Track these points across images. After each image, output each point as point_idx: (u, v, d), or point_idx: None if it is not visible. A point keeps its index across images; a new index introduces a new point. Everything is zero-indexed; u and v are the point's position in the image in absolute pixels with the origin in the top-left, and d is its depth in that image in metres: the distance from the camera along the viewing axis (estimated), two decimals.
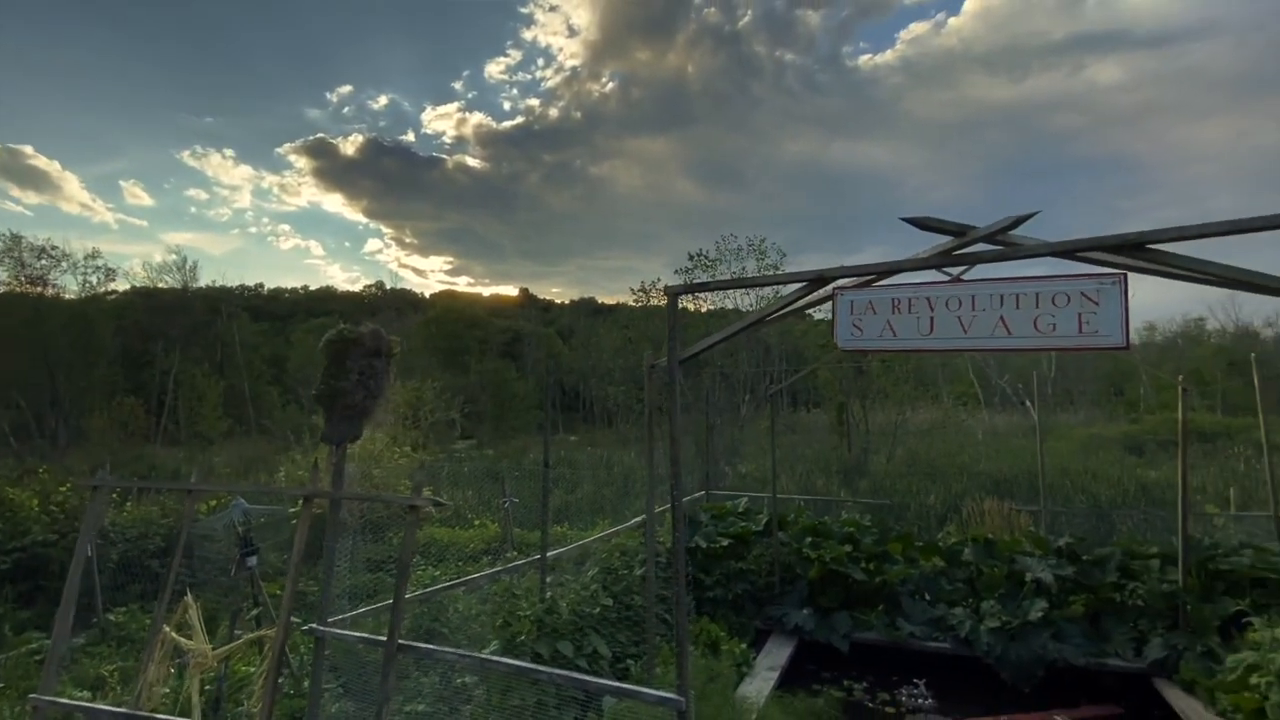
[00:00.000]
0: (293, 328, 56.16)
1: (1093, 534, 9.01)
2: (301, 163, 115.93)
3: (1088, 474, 15.82)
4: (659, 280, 24.49)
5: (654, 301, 23.81)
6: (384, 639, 3.39)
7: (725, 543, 7.99)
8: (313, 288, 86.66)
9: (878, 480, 15.90)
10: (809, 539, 7.97)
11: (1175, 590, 6.25)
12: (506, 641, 4.88)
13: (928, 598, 7.30)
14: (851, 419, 21.78)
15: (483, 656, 3.47)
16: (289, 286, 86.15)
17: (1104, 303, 2.45)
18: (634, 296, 23.94)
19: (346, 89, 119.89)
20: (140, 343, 37.69)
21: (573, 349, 57.68)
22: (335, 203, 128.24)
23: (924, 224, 2.71)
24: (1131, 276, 2.75)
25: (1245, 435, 20.72)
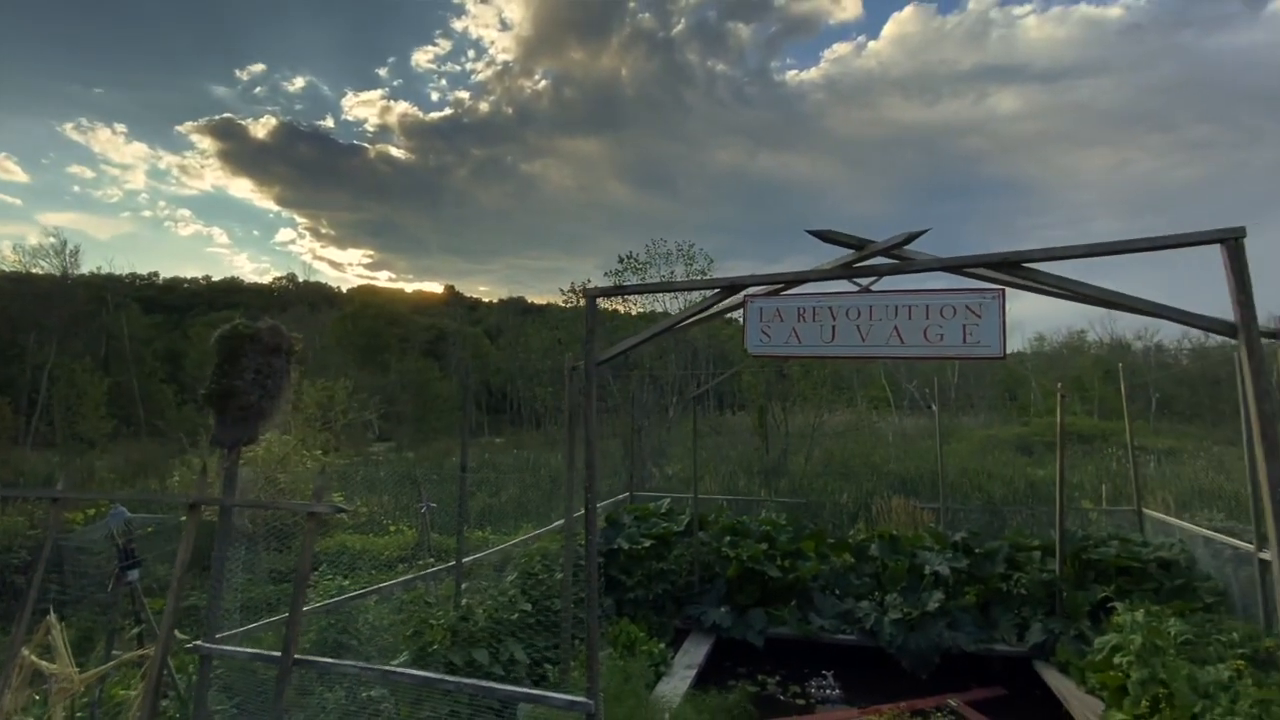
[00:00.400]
0: (191, 321, 52.09)
1: (986, 529, 9.70)
2: (205, 143, 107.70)
3: (984, 473, 17.13)
4: (589, 281, 24.49)
5: (584, 302, 23.76)
6: (278, 655, 3.20)
7: (647, 544, 8.05)
8: (216, 278, 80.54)
9: (796, 480, 16.49)
10: (728, 538, 8.17)
11: (1053, 579, 6.84)
12: (418, 651, 4.71)
13: (838, 593, 7.64)
14: (773, 421, 22.48)
15: (385, 668, 3.33)
16: (188, 276, 79.73)
17: (985, 315, 2.66)
18: (564, 297, 23.85)
19: (258, 68, 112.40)
20: (9, 333, 33.84)
21: (500, 349, 56.53)
22: (243, 188, 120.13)
23: (827, 237, 2.85)
24: (1015, 292, 3.00)
25: (1118, 437, 23.03)
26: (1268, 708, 3.76)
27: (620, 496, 10.17)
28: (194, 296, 70.36)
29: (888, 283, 2.95)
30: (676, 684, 5.97)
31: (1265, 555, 5.46)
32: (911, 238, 2.72)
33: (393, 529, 12.76)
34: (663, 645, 6.56)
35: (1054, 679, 6.06)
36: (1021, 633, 6.68)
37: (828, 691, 6.37)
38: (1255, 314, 2.24)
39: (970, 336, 2.67)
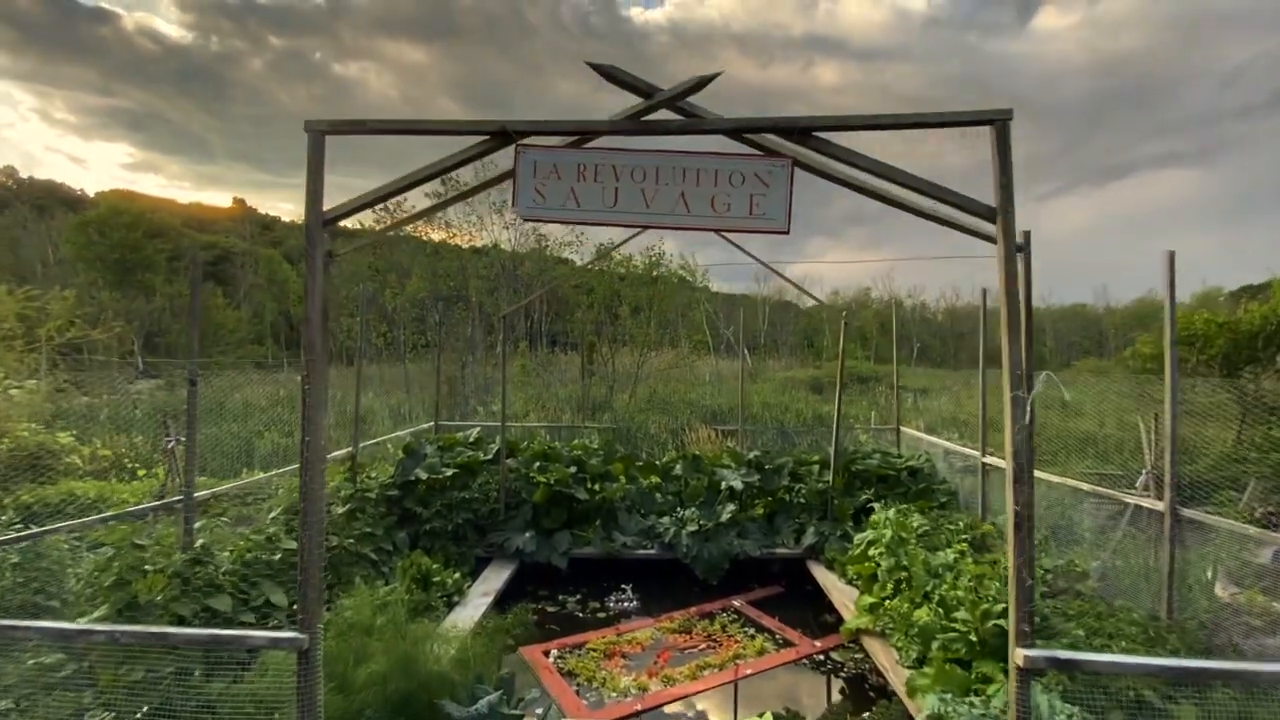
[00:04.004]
0: None
1: (777, 451, 10.64)
2: None
3: (781, 407, 19.08)
4: (405, 199, 22.15)
5: (410, 232, 21.61)
6: None
7: (450, 473, 7.52)
8: None
9: (619, 415, 16.91)
10: (538, 464, 7.90)
11: (827, 488, 7.58)
12: (125, 604, 3.77)
13: (642, 511, 7.80)
14: (600, 359, 22.78)
15: (29, 624, 2.50)
16: None
17: (773, 185, 2.50)
18: (375, 217, 21.30)
19: None
20: None
21: (303, 275, 49.73)
22: None
23: (611, 74, 2.46)
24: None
25: (888, 378, 27.18)
26: (980, 580, 4.42)
27: (423, 426, 9.41)
28: None
29: (678, 143, 2.63)
30: (470, 612, 5.63)
31: (987, 460, 6.47)
32: (703, 82, 2.44)
33: (142, 474, 10.75)
34: (458, 575, 6.17)
35: (821, 574, 6.76)
36: (799, 536, 7.35)
37: (625, 604, 6.49)
38: (1013, 197, 2.34)
39: (757, 208, 2.50)
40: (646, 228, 2.56)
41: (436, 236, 22.76)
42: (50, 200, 57.13)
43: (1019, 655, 2.41)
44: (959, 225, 2.72)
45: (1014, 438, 2.38)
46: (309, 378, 2.40)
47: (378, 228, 22.03)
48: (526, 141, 2.50)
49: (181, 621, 4.13)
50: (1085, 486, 5.34)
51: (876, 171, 2.47)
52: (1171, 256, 4.32)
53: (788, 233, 2.51)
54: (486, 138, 2.54)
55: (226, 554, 4.90)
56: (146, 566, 4.00)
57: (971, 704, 3.26)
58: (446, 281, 22.79)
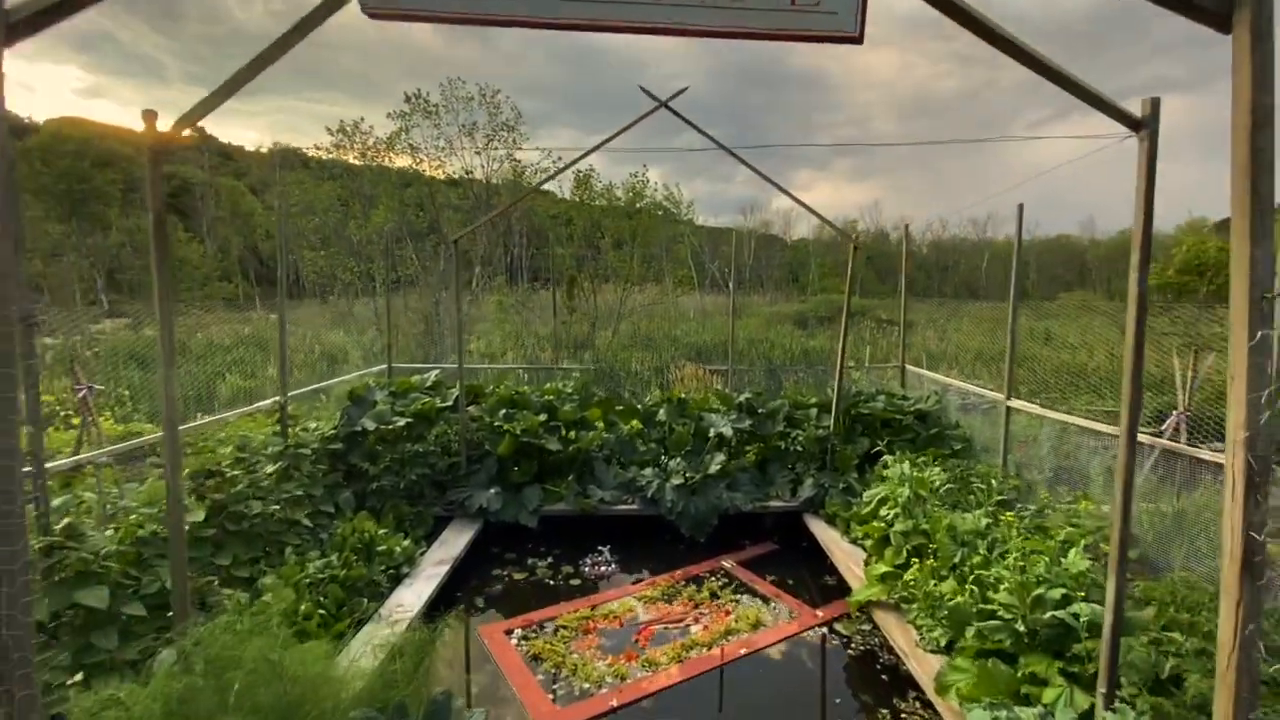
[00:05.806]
0: None
1: (767, 391, 9.87)
2: None
3: (767, 343, 18.33)
4: (371, 127, 20.16)
5: (372, 159, 19.75)
6: None
7: (402, 422, 6.63)
8: None
9: (601, 353, 16.05)
10: (504, 411, 7.03)
11: (827, 435, 6.82)
12: None
13: (622, 462, 7.02)
14: (582, 295, 21.72)
15: None
16: None
17: None
18: (334, 138, 19.35)
19: None
20: None
21: (267, 206, 46.94)
22: None
23: None
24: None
25: (873, 312, 26.40)
26: (1027, 555, 3.69)
27: (375, 369, 8.43)
28: None
29: None
30: (420, 588, 4.86)
31: (1012, 404, 5.68)
32: None
33: (76, 422, 9.77)
34: (409, 542, 5.36)
35: (821, 530, 6.07)
36: (795, 488, 6.64)
37: (603, 568, 5.78)
38: None
39: None
40: (632, 30, 1.48)
41: (402, 163, 20.98)
42: None
43: None
44: (1095, 97, 1.75)
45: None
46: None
47: (345, 156, 20.11)
48: None
49: (39, 627, 3.29)
50: (1143, 439, 4.57)
51: None
52: None
53: (860, 40, 1.50)
54: None
55: (110, 532, 4.02)
56: None
57: None
58: (416, 212, 21.21)
